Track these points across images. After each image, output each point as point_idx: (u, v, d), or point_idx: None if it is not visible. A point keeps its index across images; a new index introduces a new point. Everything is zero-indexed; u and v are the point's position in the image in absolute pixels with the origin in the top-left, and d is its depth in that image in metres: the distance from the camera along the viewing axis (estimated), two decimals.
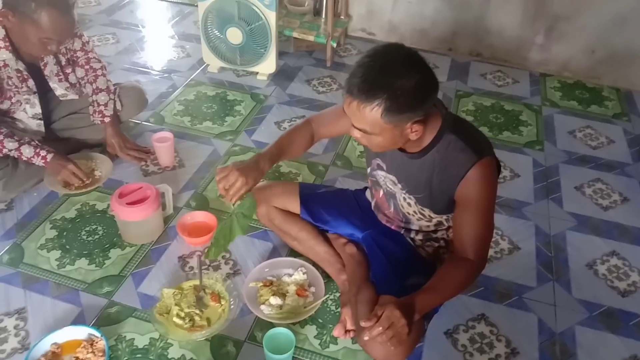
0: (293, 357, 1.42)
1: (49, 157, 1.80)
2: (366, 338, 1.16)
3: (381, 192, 1.47)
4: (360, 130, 1.16)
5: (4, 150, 1.75)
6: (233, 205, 1.41)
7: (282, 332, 1.40)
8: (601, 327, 1.61)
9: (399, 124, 1.13)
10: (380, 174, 1.43)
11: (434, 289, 1.24)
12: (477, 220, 1.25)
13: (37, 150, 1.78)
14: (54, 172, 1.83)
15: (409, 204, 1.39)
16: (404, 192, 1.37)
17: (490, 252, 1.82)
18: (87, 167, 1.96)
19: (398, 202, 1.43)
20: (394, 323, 1.13)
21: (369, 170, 1.48)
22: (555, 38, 2.89)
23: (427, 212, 1.37)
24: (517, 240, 1.88)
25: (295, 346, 1.41)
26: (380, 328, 1.13)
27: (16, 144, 1.75)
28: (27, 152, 1.77)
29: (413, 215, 1.41)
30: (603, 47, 2.83)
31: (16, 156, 1.77)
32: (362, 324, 1.16)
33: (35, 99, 1.86)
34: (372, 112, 1.10)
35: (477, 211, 1.25)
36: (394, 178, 1.39)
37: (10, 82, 1.76)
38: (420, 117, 1.14)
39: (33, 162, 1.79)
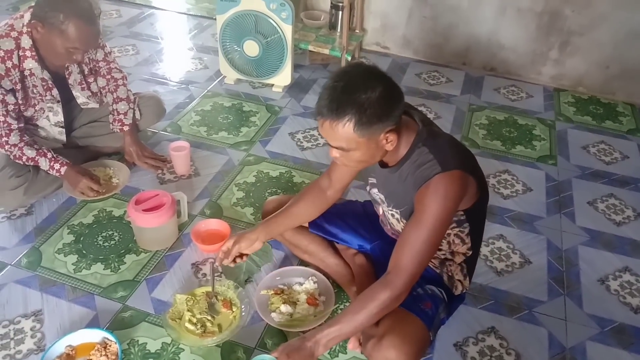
0: None
1: (63, 170, 1.85)
2: None
3: (380, 210, 1.48)
4: (338, 148, 1.19)
5: (24, 158, 1.81)
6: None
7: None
8: (612, 343, 1.60)
9: (372, 136, 1.16)
10: (374, 192, 1.45)
11: (343, 321, 1.24)
12: (419, 235, 1.20)
13: (52, 164, 1.84)
14: (70, 184, 1.89)
15: (398, 220, 1.39)
16: (390, 208, 1.39)
17: (501, 265, 1.83)
18: (105, 175, 2.01)
19: (388, 220, 1.45)
20: None
21: (367, 189, 1.49)
22: (569, 53, 2.89)
23: None
24: (528, 254, 1.88)
25: None
26: None
27: (34, 153, 1.81)
28: (43, 164, 1.83)
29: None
30: (617, 63, 2.83)
31: (32, 164, 1.84)
32: None
33: (58, 108, 1.91)
34: (344, 128, 1.13)
35: (424, 224, 1.19)
36: (382, 196, 1.41)
37: (35, 91, 1.82)
38: (392, 126, 1.17)
39: (50, 173, 1.86)
